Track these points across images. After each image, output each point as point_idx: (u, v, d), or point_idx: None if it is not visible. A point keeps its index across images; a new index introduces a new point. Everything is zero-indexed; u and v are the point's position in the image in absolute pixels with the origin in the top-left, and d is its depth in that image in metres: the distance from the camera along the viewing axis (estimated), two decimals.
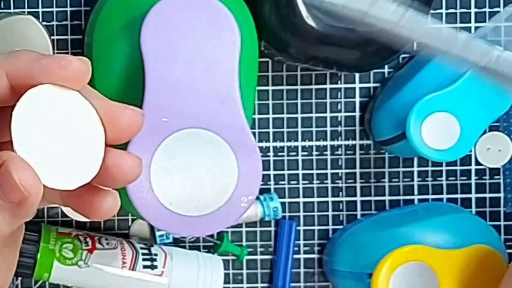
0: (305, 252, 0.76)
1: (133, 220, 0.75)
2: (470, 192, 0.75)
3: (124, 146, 0.59)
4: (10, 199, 0.41)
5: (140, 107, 0.59)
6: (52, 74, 0.43)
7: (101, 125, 0.44)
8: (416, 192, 0.75)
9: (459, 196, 0.75)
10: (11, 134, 0.41)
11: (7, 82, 0.43)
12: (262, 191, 0.74)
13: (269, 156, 0.75)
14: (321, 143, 0.75)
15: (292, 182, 0.75)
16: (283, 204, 0.75)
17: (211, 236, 0.75)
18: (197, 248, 0.75)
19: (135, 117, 0.45)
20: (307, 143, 0.75)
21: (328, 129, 0.75)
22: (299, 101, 0.75)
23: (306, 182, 0.75)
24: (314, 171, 0.75)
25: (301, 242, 0.76)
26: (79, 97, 0.44)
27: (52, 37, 0.72)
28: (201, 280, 0.70)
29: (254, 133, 0.72)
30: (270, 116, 0.74)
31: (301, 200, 0.75)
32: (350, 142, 0.75)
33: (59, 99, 0.43)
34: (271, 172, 0.75)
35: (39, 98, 0.42)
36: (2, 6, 0.72)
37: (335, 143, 0.75)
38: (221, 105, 0.60)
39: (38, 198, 0.41)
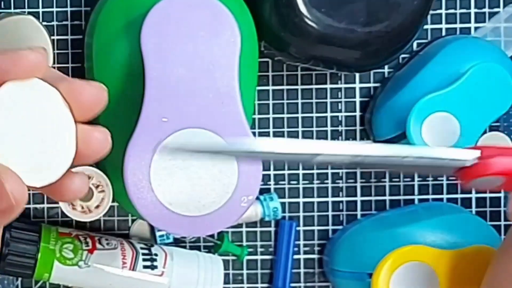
0: (305, 252, 0.76)
1: (133, 220, 0.75)
2: (470, 192, 0.75)
3: (124, 148, 0.59)
4: None
5: (140, 107, 0.59)
6: (7, 72, 0.43)
7: (68, 109, 0.45)
8: (416, 192, 0.75)
9: (459, 196, 0.75)
10: None
11: None
12: (262, 191, 0.74)
13: None
14: None
15: (292, 182, 0.75)
16: (283, 204, 0.75)
17: (212, 236, 0.75)
18: (198, 248, 0.75)
19: (97, 93, 0.46)
20: None
21: (329, 129, 0.75)
22: (299, 101, 0.75)
23: (306, 182, 0.75)
24: (315, 171, 0.75)
25: (301, 242, 0.76)
26: (42, 84, 0.44)
27: (52, 37, 0.72)
28: (202, 280, 0.70)
29: (254, 133, 0.72)
30: (271, 116, 0.74)
31: (301, 200, 0.75)
32: None
33: (23, 93, 0.43)
34: (271, 172, 0.75)
35: (4, 98, 0.43)
36: (2, 6, 0.72)
37: None
38: (221, 105, 0.60)
39: (24, 205, 0.42)
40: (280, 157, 0.47)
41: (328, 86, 0.75)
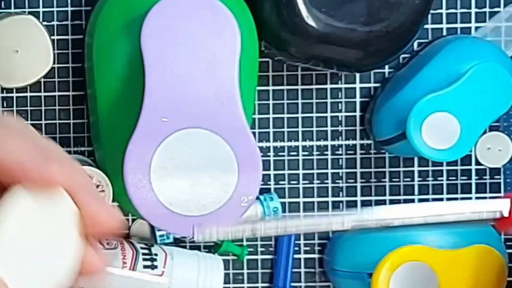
0: (306, 252, 0.76)
1: (133, 220, 0.75)
2: (470, 192, 0.75)
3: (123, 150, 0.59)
4: None
5: (140, 106, 0.59)
6: (31, 181, 0.41)
7: (78, 231, 0.43)
8: (416, 192, 0.75)
9: (459, 196, 0.75)
10: None
11: None
12: (262, 191, 0.74)
13: (269, 156, 0.75)
14: (322, 143, 0.75)
15: (292, 182, 0.75)
16: (283, 204, 0.75)
17: None
18: (198, 248, 0.75)
19: (113, 221, 0.44)
20: (307, 143, 0.75)
21: (329, 129, 0.75)
22: (299, 101, 0.75)
23: (307, 182, 0.75)
24: (315, 171, 0.75)
25: (302, 242, 0.76)
26: (60, 194, 0.42)
27: (52, 37, 0.72)
28: (202, 280, 0.70)
29: (254, 133, 0.72)
30: (271, 116, 0.74)
31: (301, 200, 0.75)
32: (351, 142, 0.75)
33: (38, 200, 0.41)
34: (271, 172, 0.75)
35: (18, 205, 0.41)
36: (2, 6, 0.72)
37: (336, 143, 0.75)
38: (221, 105, 0.60)
39: None
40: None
41: (328, 86, 0.75)
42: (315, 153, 0.75)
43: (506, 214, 0.50)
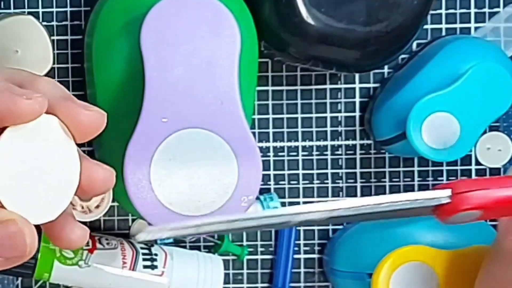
0: (305, 252, 0.76)
1: (133, 220, 0.75)
2: None
3: (124, 147, 0.59)
4: (7, 256, 0.42)
5: (140, 107, 0.59)
6: (5, 121, 0.43)
7: (74, 144, 0.44)
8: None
9: None
10: None
11: None
12: (262, 191, 0.74)
13: (269, 156, 0.75)
14: (321, 143, 0.75)
15: (292, 182, 0.75)
16: (283, 204, 0.75)
17: (212, 236, 0.75)
18: (198, 248, 0.75)
19: (94, 118, 0.45)
20: (307, 143, 0.75)
21: (328, 129, 0.75)
22: (299, 101, 0.75)
23: (306, 182, 0.75)
24: (314, 171, 0.75)
25: (301, 242, 0.76)
26: (43, 118, 0.44)
27: (52, 37, 0.72)
28: (202, 280, 0.70)
29: (254, 133, 0.72)
30: (270, 116, 0.74)
31: (301, 200, 0.75)
32: (350, 142, 0.75)
33: (24, 134, 0.43)
34: (271, 172, 0.75)
35: (7, 144, 0.42)
36: (2, 6, 0.72)
37: (335, 143, 0.75)
38: (221, 105, 0.60)
39: (33, 252, 0.42)
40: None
41: (328, 86, 0.75)
42: (314, 153, 0.75)
43: (444, 202, 0.49)
